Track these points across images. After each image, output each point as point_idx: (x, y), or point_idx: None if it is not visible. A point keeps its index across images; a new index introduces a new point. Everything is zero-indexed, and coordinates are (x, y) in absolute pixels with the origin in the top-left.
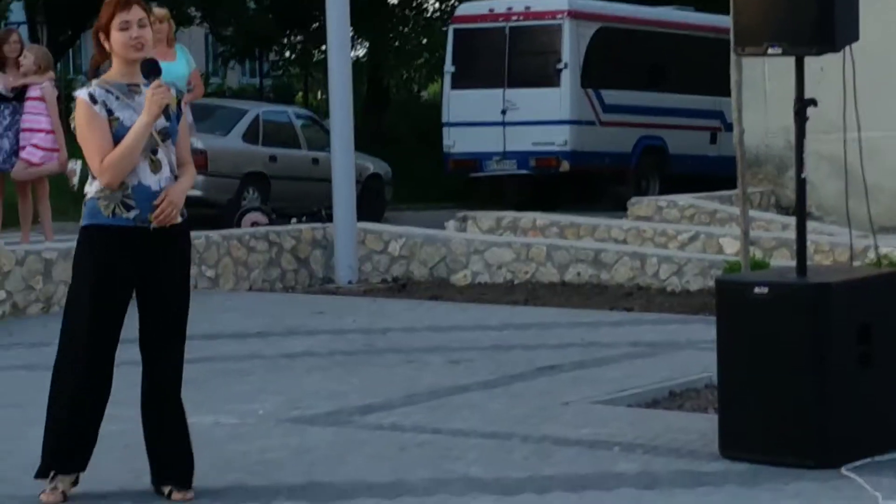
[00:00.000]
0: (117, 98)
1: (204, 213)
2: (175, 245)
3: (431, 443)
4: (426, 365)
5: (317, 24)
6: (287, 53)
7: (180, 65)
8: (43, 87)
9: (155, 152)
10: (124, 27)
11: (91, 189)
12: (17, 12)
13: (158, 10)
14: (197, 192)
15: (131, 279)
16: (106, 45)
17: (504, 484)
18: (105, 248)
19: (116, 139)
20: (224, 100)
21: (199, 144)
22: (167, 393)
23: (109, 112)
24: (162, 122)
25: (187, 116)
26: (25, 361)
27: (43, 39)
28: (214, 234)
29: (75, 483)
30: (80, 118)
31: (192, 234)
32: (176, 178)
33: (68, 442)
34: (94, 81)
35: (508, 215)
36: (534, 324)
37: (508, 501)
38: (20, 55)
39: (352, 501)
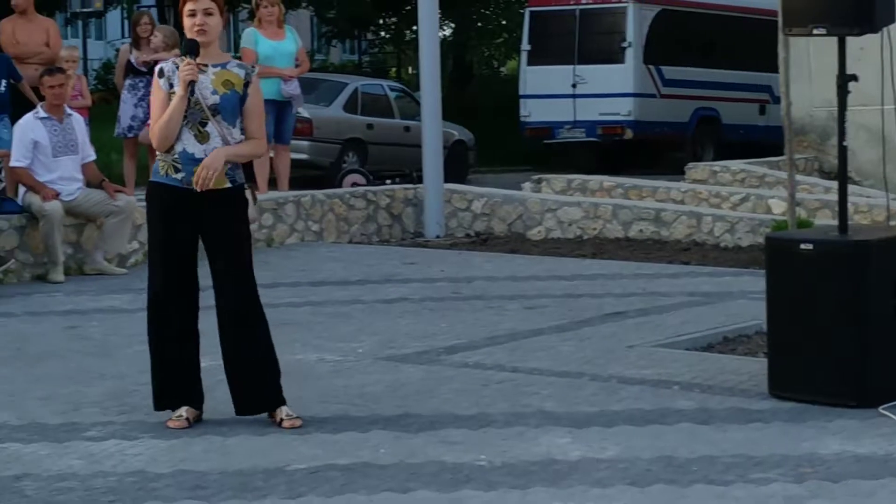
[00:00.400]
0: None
1: (309, 174)
2: (222, 208)
3: (510, 380)
4: (505, 310)
5: (409, 6)
6: (382, 33)
7: (289, 43)
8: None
9: (204, 125)
10: (191, 14)
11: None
12: None
13: None
14: (303, 156)
15: (187, 230)
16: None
17: (575, 417)
18: (160, 202)
19: None
20: (327, 74)
21: (305, 113)
22: (239, 322)
23: (171, 85)
24: (214, 98)
25: (295, 89)
26: None
27: (170, 20)
28: (319, 193)
29: (200, 414)
30: (152, 89)
31: (299, 192)
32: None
33: (167, 379)
34: (173, 58)
35: (578, 178)
36: (601, 275)
37: (579, 433)
38: (151, 34)
39: (440, 431)
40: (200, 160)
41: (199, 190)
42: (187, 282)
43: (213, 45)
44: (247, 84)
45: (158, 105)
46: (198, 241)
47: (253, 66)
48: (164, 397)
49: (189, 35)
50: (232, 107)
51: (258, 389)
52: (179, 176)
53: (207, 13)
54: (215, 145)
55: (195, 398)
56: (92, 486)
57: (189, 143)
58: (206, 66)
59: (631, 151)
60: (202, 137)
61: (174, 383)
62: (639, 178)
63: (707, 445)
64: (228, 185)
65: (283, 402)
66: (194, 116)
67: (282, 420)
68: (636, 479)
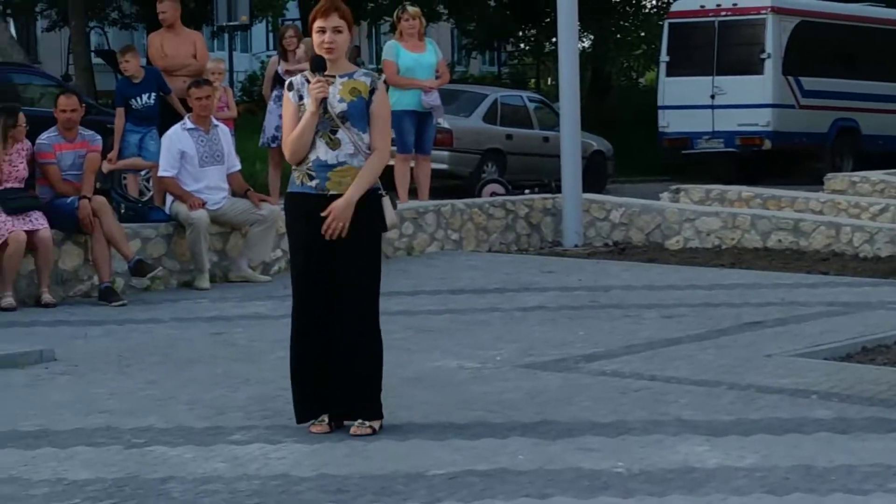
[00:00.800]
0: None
1: (449, 183)
2: (354, 212)
3: (648, 388)
4: (643, 319)
5: (548, 18)
6: (522, 45)
7: (429, 55)
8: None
9: (334, 132)
10: (320, 31)
11: None
12: (292, 10)
13: (412, 9)
14: (443, 166)
15: (320, 238)
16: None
17: (713, 426)
18: (298, 210)
19: None
20: (467, 85)
21: (445, 124)
22: (354, 323)
23: (300, 98)
24: (342, 106)
25: (436, 100)
26: None
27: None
28: (458, 203)
29: (340, 420)
30: (283, 101)
31: (440, 202)
32: (357, 153)
33: (302, 391)
34: (303, 72)
35: (716, 188)
36: (739, 284)
37: (717, 442)
38: (297, 47)
39: (578, 438)
40: (333, 166)
41: (327, 238)
42: (328, 287)
43: (340, 59)
44: (373, 91)
45: (289, 118)
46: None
47: (379, 75)
48: (304, 404)
49: (318, 51)
50: (359, 113)
51: (353, 395)
52: (314, 184)
53: (337, 31)
54: (347, 151)
55: (323, 410)
56: (236, 489)
57: (321, 151)
58: (333, 77)
59: (769, 161)
60: (333, 144)
61: (304, 398)
62: (777, 189)
63: (845, 454)
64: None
65: (371, 416)
66: (324, 125)
67: (351, 426)
68: (774, 487)
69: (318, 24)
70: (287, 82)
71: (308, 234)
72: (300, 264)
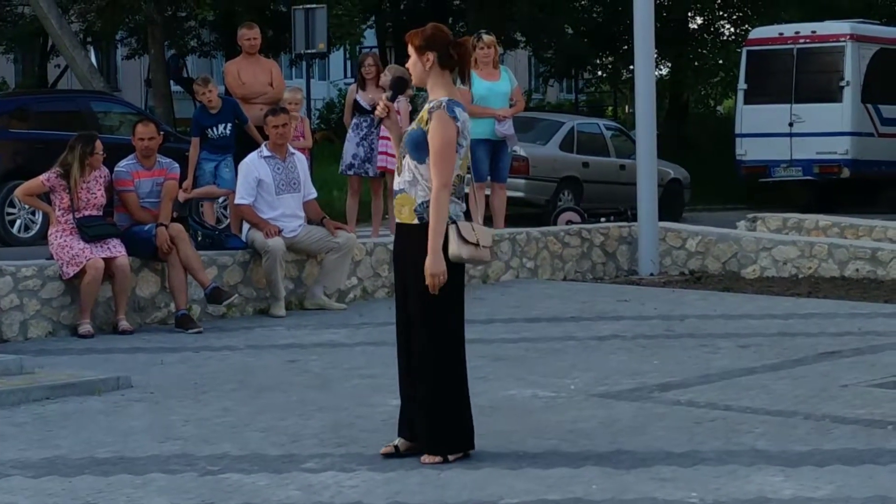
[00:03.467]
0: None
1: (525, 211)
2: (408, 242)
3: (723, 418)
4: (718, 349)
5: (626, 46)
6: (599, 72)
7: (503, 83)
8: (398, 102)
9: (402, 158)
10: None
11: None
12: (369, 38)
13: (487, 37)
14: (519, 194)
15: (398, 265)
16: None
17: (787, 457)
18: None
19: None
20: (544, 113)
21: (521, 152)
22: (416, 361)
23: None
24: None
25: (509, 129)
26: (374, 339)
27: (391, 60)
28: (534, 231)
29: (412, 444)
30: None
31: (515, 230)
32: (416, 182)
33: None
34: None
35: (794, 216)
36: (815, 314)
37: (791, 472)
38: (376, 76)
39: (652, 468)
40: (396, 193)
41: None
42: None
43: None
44: (430, 120)
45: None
46: None
47: (440, 104)
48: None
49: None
50: (413, 142)
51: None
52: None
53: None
54: (406, 178)
55: (402, 432)
56: None
57: (396, 178)
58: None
59: (847, 190)
60: (399, 171)
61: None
62: (855, 217)
63: None
64: (416, 221)
65: (430, 451)
66: (400, 151)
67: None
68: None
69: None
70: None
71: (395, 261)
72: (396, 287)
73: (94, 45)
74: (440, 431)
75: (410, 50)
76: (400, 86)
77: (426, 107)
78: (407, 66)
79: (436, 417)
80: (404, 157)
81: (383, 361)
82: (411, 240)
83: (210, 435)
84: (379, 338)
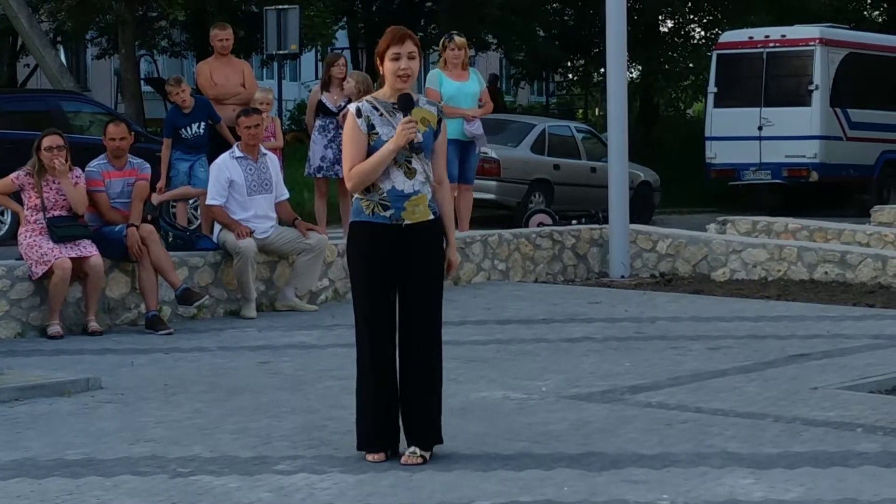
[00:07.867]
0: (381, 115)
1: (496, 213)
2: (426, 239)
3: (693, 420)
4: (689, 351)
5: (597, 49)
6: (570, 75)
7: (472, 84)
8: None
9: (410, 161)
10: (395, 58)
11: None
12: (341, 39)
13: (458, 38)
14: (490, 196)
15: (390, 268)
16: (380, 69)
17: (758, 459)
18: (367, 241)
19: (374, 149)
20: (515, 115)
21: (493, 154)
22: (416, 374)
23: (371, 127)
24: (418, 136)
25: (478, 129)
26: (346, 340)
27: (363, 63)
28: (505, 233)
29: (397, 447)
30: (346, 127)
31: (487, 232)
32: (427, 182)
33: (370, 424)
34: (367, 98)
35: (763, 219)
36: (785, 316)
37: (762, 474)
38: (345, 77)
39: (623, 470)
40: (409, 196)
41: (409, 223)
42: (386, 326)
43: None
44: (440, 121)
45: (354, 146)
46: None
47: (440, 104)
48: (370, 435)
49: (391, 80)
50: (429, 143)
51: (415, 420)
52: (388, 213)
53: (411, 57)
54: (420, 180)
55: (388, 444)
56: None
57: (398, 181)
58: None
59: (816, 193)
60: (410, 174)
61: (371, 430)
62: (824, 220)
63: (891, 488)
64: (432, 216)
65: (426, 445)
66: (402, 155)
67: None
68: None
69: (392, 50)
70: (354, 108)
71: (381, 264)
72: (374, 292)
73: (64, 44)
74: (436, 428)
75: (415, 50)
76: (409, 104)
77: (427, 108)
78: (411, 65)
79: (437, 413)
80: (411, 161)
81: (355, 363)
82: (432, 233)
83: (181, 437)
84: (351, 339)
